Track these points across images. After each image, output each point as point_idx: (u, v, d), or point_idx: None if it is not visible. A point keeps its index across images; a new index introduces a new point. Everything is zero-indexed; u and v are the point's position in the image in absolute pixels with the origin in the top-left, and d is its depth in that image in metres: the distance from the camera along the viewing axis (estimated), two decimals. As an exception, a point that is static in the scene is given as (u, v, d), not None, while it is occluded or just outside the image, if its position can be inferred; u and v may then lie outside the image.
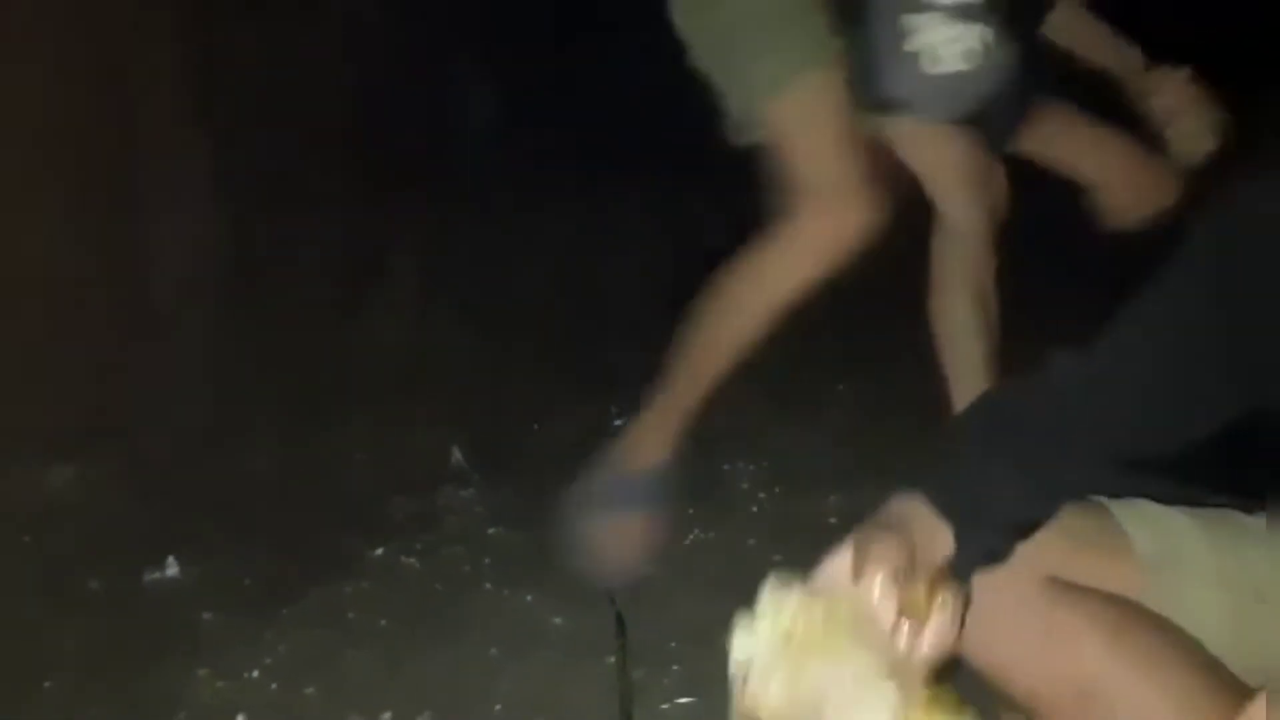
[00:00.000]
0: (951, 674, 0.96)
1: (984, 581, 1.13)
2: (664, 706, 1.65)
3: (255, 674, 1.79)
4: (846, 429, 2.44)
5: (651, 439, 1.90)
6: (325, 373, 2.49)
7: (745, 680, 0.91)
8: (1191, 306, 1.13)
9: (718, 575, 1.96)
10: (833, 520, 2.09)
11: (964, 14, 1.45)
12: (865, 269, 3.14)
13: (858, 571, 0.97)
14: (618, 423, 2.47)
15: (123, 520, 2.15)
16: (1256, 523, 1.29)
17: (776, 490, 2.21)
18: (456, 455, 2.36)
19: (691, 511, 2.17)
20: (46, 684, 1.78)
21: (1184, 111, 1.73)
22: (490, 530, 2.14)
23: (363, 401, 2.46)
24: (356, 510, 2.20)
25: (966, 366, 1.93)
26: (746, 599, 1.88)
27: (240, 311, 2.57)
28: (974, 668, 1.12)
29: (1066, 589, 1.15)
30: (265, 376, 2.42)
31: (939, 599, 0.95)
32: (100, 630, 1.90)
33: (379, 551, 2.09)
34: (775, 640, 0.92)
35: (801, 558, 1.99)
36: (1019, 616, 1.10)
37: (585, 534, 1.89)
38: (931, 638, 0.94)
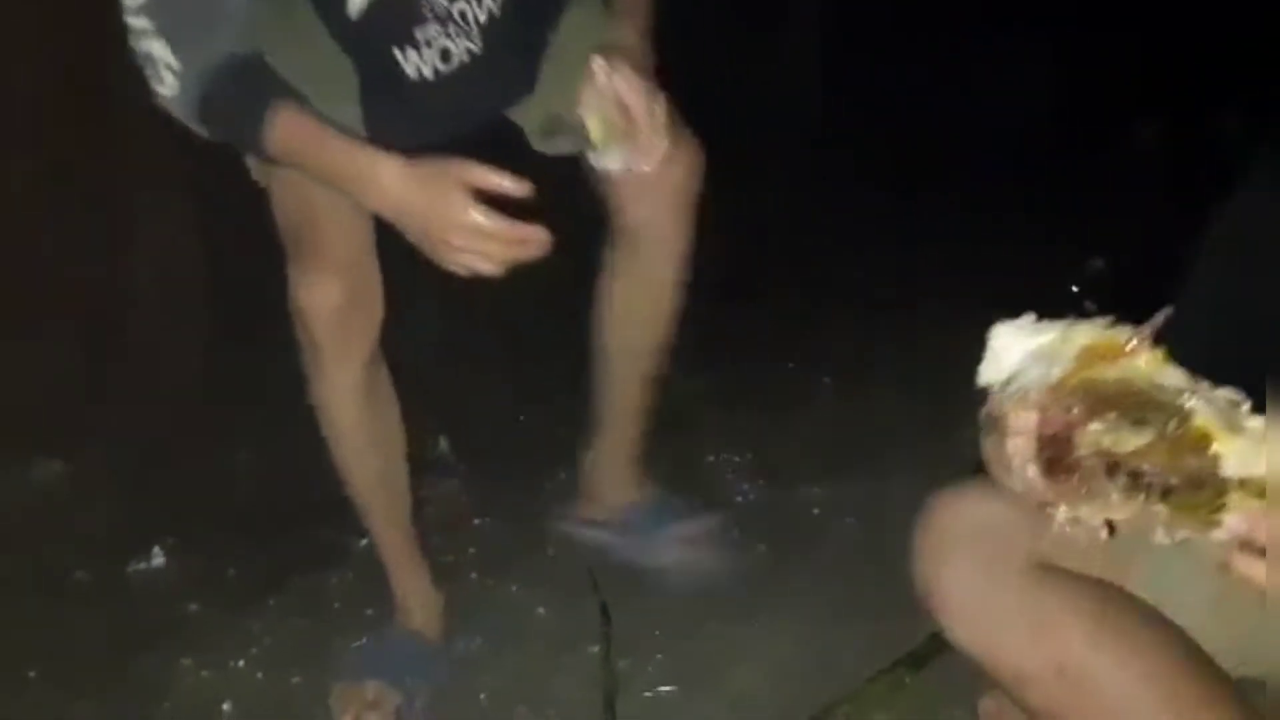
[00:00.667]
0: None
1: (971, 566, 1.15)
2: (647, 695, 1.66)
3: (241, 664, 1.80)
4: (831, 422, 2.45)
5: (410, 600, 1.76)
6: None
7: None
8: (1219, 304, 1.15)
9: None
10: (816, 512, 2.10)
11: None
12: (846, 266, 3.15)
13: None
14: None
15: (108, 511, 2.15)
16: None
17: (760, 483, 2.22)
18: (442, 445, 2.36)
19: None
20: (32, 674, 1.78)
21: (595, 100, 1.41)
22: (475, 521, 2.15)
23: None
24: (341, 501, 2.20)
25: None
26: (730, 589, 1.90)
27: (225, 303, 2.56)
28: (960, 650, 1.14)
29: (1052, 574, 1.17)
30: (250, 368, 2.42)
31: None
32: (86, 621, 1.90)
33: (364, 542, 2.09)
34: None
35: (785, 549, 2.03)
36: (1005, 600, 1.11)
37: (334, 697, 1.70)
38: None
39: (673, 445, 2.38)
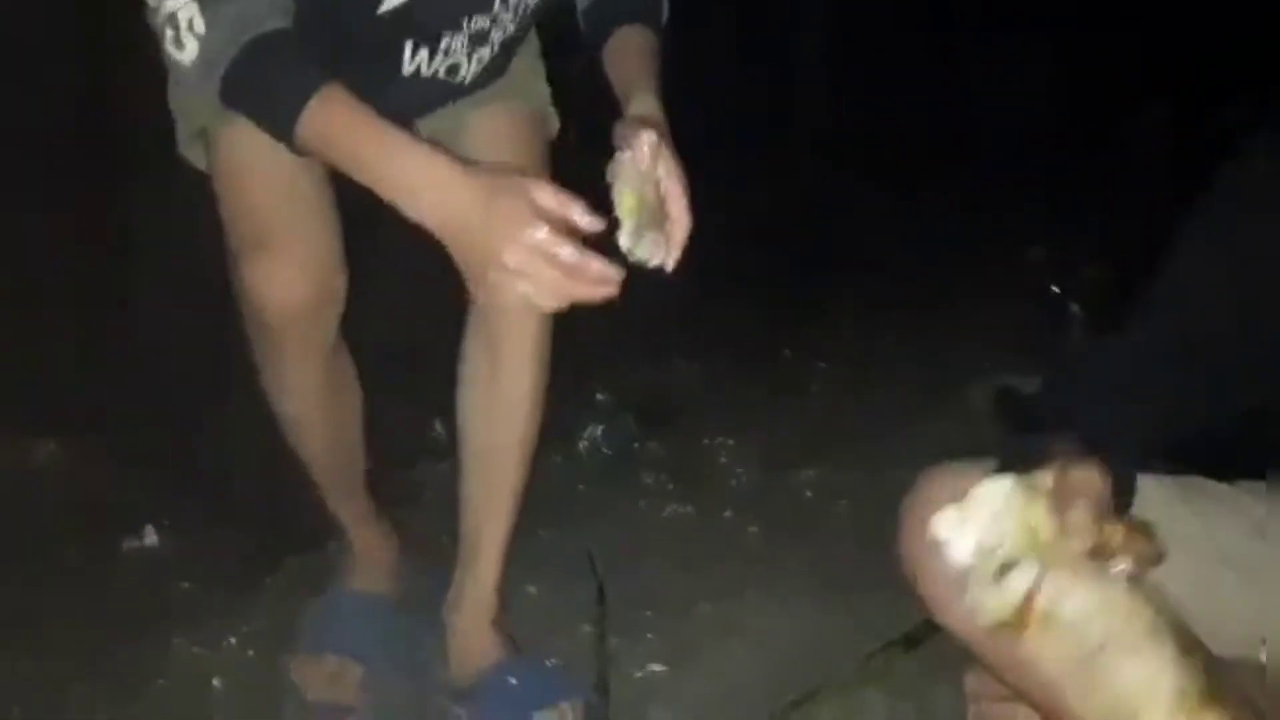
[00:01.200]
0: None
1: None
2: (638, 674, 1.67)
3: (233, 641, 1.79)
4: (825, 406, 2.46)
5: (367, 557, 1.70)
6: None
7: (1001, 576, 0.91)
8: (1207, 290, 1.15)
9: (694, 546, 1.98)
10: (809, 495, 2.11)
11: None
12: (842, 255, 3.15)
13: (1062, 502, 0.96)
14: (600, 397, 2.48)
15: (102, 490, 2.15)
16: (1225, 490, 1.31)
17: (755, 465, 2.23)
18: (437, 428, 2.37)
19: (670, 486, 2.20)
20: (24, 651, 1.78)
21: (636, 176, 1.25)
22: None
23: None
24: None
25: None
26: (722, 570, 1.91)
27: (220, 284, 2.57)
28: (947, 631, 1.14)
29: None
30: (246, 348, 2.41)
31: (1136, 544, 0.95)
32: (79, 599, 1.90)
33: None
34: (1030, 545, 0.91)
35: (778, 532, 2.03)
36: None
37: (295, 670, 1.63)
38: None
39: (669, 429, 2.40)
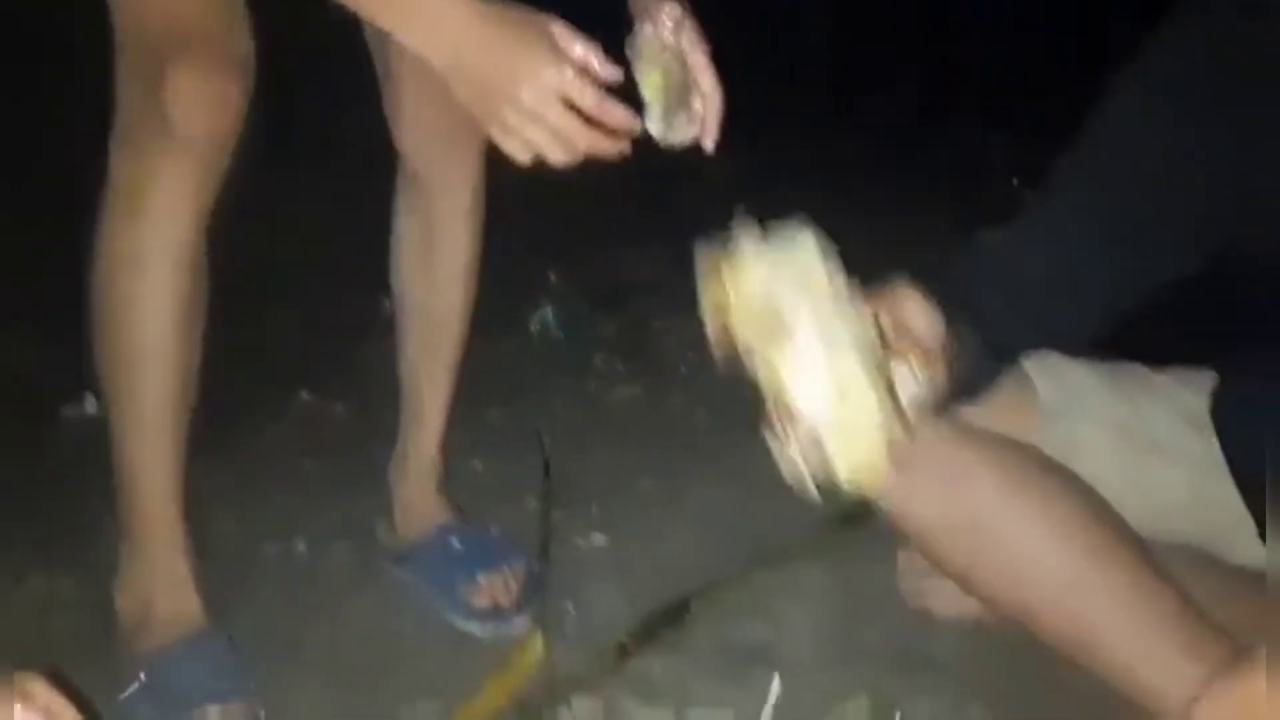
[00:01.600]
0: None
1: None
2: (579, 544, 1.69)
3: (172, 507, 1.78)
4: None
5: (163, 586, 1.42)
6: (256, 222, 2.43)
7: (722, 268, 1.04)
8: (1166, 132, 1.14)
9: (641, 427, 2.00)
10: (756, 383, 2.11)
11: None
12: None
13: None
14: (553, 279, 2.47)
15: (41, 357, 2.11)
16: (1161, 378, 1.33)
17: (705, 350, 2.22)
18: (386, 306, 2.34)
19: (621, 368, 2.20)
20: (-39, 516, 1.77)
21: (659, 51, 1.14)
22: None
23: (294, 251, 2.42)
24: (285, 358, 2.19)
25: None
26: (668, 450, 1.91)
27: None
28: (878, 504, 1.16)
29: (968, 432, 1.18)
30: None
31: (926, 360, 1.08)
32: (17, 465, 1.88)
33: (305, 395, 2.08)
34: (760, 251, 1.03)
35: (724, 414, 2.04)
36: (922, 456, 1.13)
37: None
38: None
39: (621, 311, 2.39)
